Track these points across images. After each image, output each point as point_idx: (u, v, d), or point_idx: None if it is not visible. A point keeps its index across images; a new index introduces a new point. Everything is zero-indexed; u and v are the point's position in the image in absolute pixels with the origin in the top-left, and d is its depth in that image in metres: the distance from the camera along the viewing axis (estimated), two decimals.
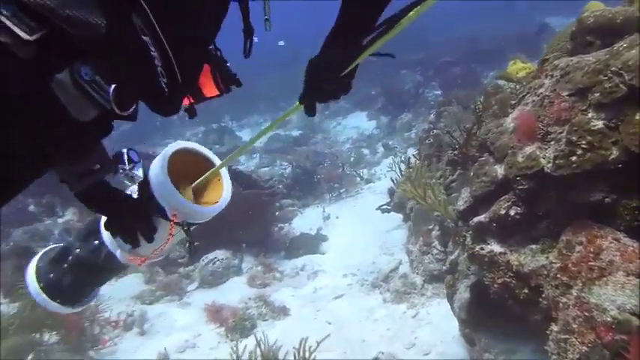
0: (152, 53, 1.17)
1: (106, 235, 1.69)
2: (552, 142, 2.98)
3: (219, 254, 6.29)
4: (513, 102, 3.60)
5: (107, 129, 1.27)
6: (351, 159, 10.04)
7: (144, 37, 1.15)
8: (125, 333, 5.23)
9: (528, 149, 3.12)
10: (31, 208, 8.62)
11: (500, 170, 3.35)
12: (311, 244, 6.96)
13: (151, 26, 1.16)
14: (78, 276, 1.72)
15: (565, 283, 2.91)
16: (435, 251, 5.09)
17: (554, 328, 2.90)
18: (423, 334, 4.46)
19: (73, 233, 1.89)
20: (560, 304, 2.90)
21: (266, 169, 10.76)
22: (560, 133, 2.94)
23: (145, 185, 1.60)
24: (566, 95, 2.99)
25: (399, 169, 6.38)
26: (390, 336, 4.58)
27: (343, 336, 4.72)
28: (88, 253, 1.72)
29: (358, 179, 8.91)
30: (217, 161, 1.89)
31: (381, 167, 9.25)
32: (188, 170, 1.77)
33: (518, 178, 3.17)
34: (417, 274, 5.24)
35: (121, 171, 1.60)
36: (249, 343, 4.43)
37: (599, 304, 2.69)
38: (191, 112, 1.66)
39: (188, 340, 4.92)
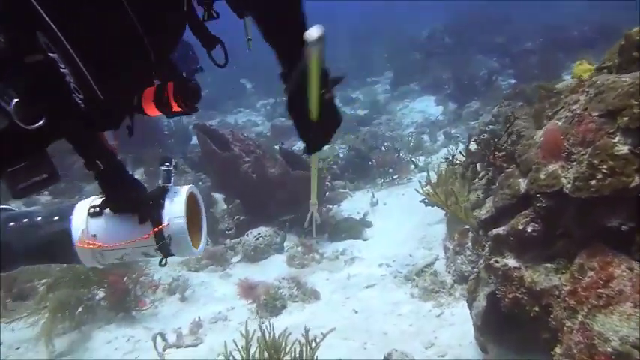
0: (62, 70, 1.21)
1: (78, 212, 1.72)
2: (575, 163, 2.89)
3: (263, 231, 6.53)
4: (550, 114, 3.48)
5: (46, 139, 1.31)
6: (410, 145, 9.95)
7: (51, 55, 1.18)
8: (168, 297, 5.61)
9: (551, 167, 3.03)
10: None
11: (523, 184, 3.28)
12: (355, 229, 7.05)
13: (59, 43, 1.19)
14: (17, 242, 1.73)
15: (572, 307, 2.86)
16: (467, 252, 5.04)
17: (558, 350, 2.88)
18: (443, 335, 4.48)
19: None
20: (565, 328, 2.86)
21: (326, 147, 10.84)
22: (583, 154, 2.84)
23: (163, 191, 1.72)
24: (596, 116, 2.87)
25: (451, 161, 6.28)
26: (412, 332, 4.64)
27: (367, 327, 4.82)
28: (45, 224, 1.74)
29: (412, 167, 8.85)
30: (203, 211, 1.99)
31: (439, 156, 9.11)
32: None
33: (538, 196, 3.10)
34: (449, 273, 5.23)
35: (164, 167, 1.73)
36: (274, 324, 4.65)
37: (602, 333, 2.64)
38: (130, 132, 1.71)
39: (221, 312, 5.20)
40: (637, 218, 2.71)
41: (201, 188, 8.22)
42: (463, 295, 4.89)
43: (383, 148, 9.51)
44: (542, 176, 3.06)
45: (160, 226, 1.69)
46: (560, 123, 3.19)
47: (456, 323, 4.57)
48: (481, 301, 3.85)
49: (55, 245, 1.72)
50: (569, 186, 2.88)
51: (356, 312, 5.09)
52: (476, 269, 4.91)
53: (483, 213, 3.60)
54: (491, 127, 6.71)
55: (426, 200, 6.56)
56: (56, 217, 1.75)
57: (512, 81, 12.49)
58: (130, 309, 5.16)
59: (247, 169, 6.91)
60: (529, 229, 3.17)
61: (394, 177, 8.67)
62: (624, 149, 2.70)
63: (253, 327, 4.10)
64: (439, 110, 12.36)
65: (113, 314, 5.07)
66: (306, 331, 3.33)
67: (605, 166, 2.71)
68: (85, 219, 1.71)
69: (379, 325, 4.81)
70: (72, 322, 4.85)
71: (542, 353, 3.46)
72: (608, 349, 2.57)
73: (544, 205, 3.07)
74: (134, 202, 1.64)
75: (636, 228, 2.72)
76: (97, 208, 1.70)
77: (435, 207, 6.51)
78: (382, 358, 4.11)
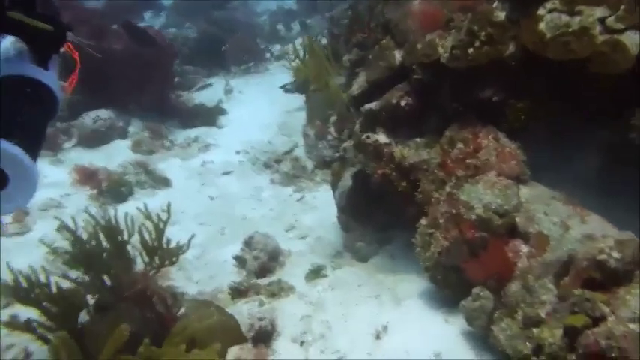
0: None
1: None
2: (454, 31, 2.77)
3: (103, 113, 5.78)
4: None
5: None
6: (265, 32, 9.43)
7: None
8: None
9: (430, 36, 2.89)
10: None
11: (399, 56, 3.13)
12: (208, 116, 6.60)
13: None
14: None
15: (441, 179, 2.87)
16: (329, 137, 4.95)
17: (423, 222, 2.90)
18: (304, 219, 4.42)
19: None
20: (433, 200, 2.87)
21: (172, 30, 9.89)
22: (463, 21, 2.72)
23: None
24: None
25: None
26: (272, 217, 4.51)
27: (225, 212, 4.59)
28: None
29: (268, 55, 8.44)
30: None
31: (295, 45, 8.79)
32: None
33: (414, 67, 2.98)
34: (310, 158, 5.13)
35: None
36: (120, 210, 4.19)
37: (467, 202, 2.68)
38: None
39: (54, 198, 4.57)
40: (508, 88, 2.71)
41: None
42: (324, 179, 4.84)
43: (237, 35, 8.87)
44: (419, 46, 2.92)
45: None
46: None
47: (318, 207, 4.52)
48: (346, 182, 3.78)
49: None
50: (446, 55, 2.78)
51: (212, 198, 4.81)
52: (339, 152, 4.87)
53: (355, 88, 3.42)
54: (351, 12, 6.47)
55: (287, 87, 6.32)
56: None
57: None
58: None
59: (81, 41, 5.92)
60: (403, 103, 3.06)
61: (250, 64, 8.21)
62: (501, 15, 2.63)
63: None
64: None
65: None
66: (146, 210, 2.93)
67: (483, 33, 2.63)
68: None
69: (238, 210, 4.61)
70: None
71: (406, 229, 3.53)
72: (472, 216, 2.63)
73: (420, 78, 2.97)
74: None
75: (505, 97, 2.73)
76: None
77: (296, 94, 6.33)
78: (242, 241, 3.92)
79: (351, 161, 3.89)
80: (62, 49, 1.72)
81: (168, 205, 3.01)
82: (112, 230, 2.74)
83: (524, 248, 2.53)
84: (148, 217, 2.83)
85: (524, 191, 2.68)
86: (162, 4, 11.84)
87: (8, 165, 1.35)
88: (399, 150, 3.13)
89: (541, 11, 2.51)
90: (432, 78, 2.93)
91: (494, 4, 2.66)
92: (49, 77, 1.56)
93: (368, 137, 3.21)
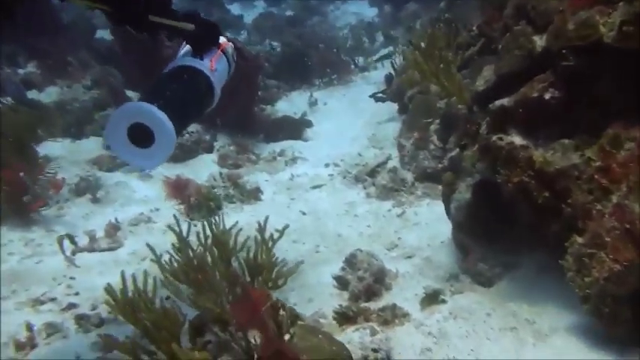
0: None
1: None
2: (622, 4, 2.26)
3: (190, 127, 5.60)
4: None
5: None
6: (348, 45, 9.14)
7: None
8: (75, 198, 4.65)
9: (584, 14, 2.39)
10: None
11: (540, 42, 2.64)
12: (293, 129, 6.32)
13: None
14: None
15: (604, 186, 2.33)
16: (431, 147, 4.49)
17: (579, 240, 2.36)
18: (407, 236, 3.96)
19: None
20: (593, 212, 2.34)
21: (257, 47, 9.82)
22: None
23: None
24: None
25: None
26: (370, 234, 4.08)
27: (318, 229, 4.22)
28: None
29: (352, 66, 8.12)
30: None
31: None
32: None
33: (564, 52, 2.48)
34: (409, 170, 4.67)
35: None
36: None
37: None
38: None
39: (143, 213, 4.37)
40: None
41: (113, 84, 7.04)
42: (426, 193, 4.39)
43: (319, 48, 8.63)
44: (571, 26, 2.42)
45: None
46: None
47: (422, 223, 4.06)
48: (463, 194, 3.29)
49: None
50: (611, 34, 2.27)
51: (304, 214, 4.46)
52: (441, 165, 4.40)
53: (480, 84, 2.95)
54: (447, 15, 6.01)
55: (377, 95, 5.94)
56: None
57: None
58: (27, 210, 4.16)
59: (170, 56, 5.82)
60: (547, 97, 2.57)
61: (333, 77, 7.92)
62: None
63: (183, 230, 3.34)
64: (374, 12, 11.56)
65: (6, 215, 4.06)
66: (261, 225, 2.65)
67: None
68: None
69: (332, 226, 4.22)
70: None
71: (538, 250, 3.00)
72: None
73: (571, 64, 2.46)
74: None
75: None
76: None
77: (387, 102, 5.94)
78: (342, 260, 3.51)
79: (468, 170, 3.40)
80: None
81: (285, 227, 2.85)
82: (222, 242, 2.44)
83: None
84: (262, 232, 2.53)
85: None
86: (243, 23, 11.88)
87: (152, 123, 1.74)
88: (539, 153, 2.62)
89: None
90: (587, 64, 2.42)
91: None
92: (202, 65, 2.15)
93: (500, 139, 2.73)
